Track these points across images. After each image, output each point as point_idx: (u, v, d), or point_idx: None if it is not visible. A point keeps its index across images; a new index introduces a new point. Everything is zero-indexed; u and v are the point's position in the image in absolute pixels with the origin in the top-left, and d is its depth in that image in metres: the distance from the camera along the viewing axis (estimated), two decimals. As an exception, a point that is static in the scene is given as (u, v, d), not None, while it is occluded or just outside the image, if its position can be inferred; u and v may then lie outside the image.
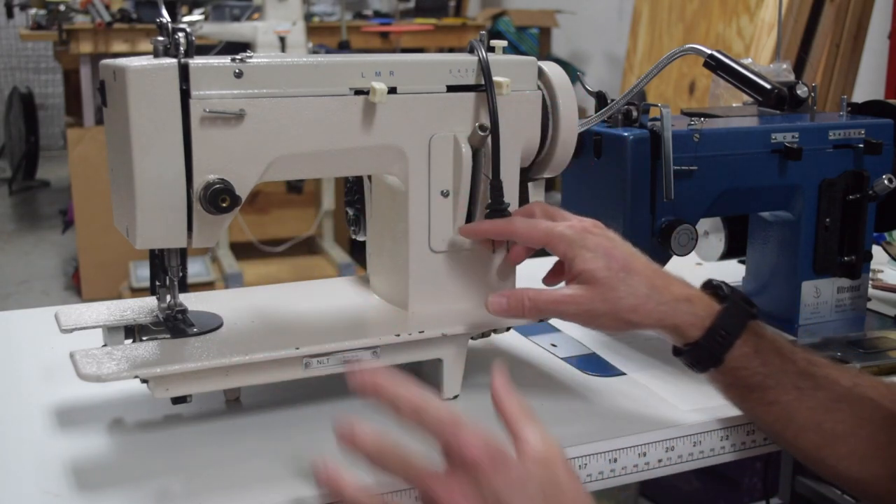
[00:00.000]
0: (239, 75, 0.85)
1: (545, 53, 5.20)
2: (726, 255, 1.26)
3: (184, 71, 0.83)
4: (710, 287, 0.92)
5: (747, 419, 0.94)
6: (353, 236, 1.09)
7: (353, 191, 1.07)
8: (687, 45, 1.04)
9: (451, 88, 0.94)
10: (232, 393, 0.96)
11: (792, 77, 1.34)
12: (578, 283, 0.88)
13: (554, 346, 1.13)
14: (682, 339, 0.89)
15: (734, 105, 1.46)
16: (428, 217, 0.96)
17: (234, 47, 2.62)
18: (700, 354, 0.88)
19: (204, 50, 3.52)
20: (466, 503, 0.66)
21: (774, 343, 0.89)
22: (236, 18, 3.91)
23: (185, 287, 0.96)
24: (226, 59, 0.85)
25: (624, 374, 1.05)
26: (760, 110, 1.26)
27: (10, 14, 4.64)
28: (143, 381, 0.85)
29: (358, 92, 0.90)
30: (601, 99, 1.08)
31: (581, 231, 0.89)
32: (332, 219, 4.27)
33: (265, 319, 0.96)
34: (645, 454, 0.91)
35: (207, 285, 3.69)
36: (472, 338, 0.99)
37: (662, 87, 3.76)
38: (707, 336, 0.87)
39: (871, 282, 1.29)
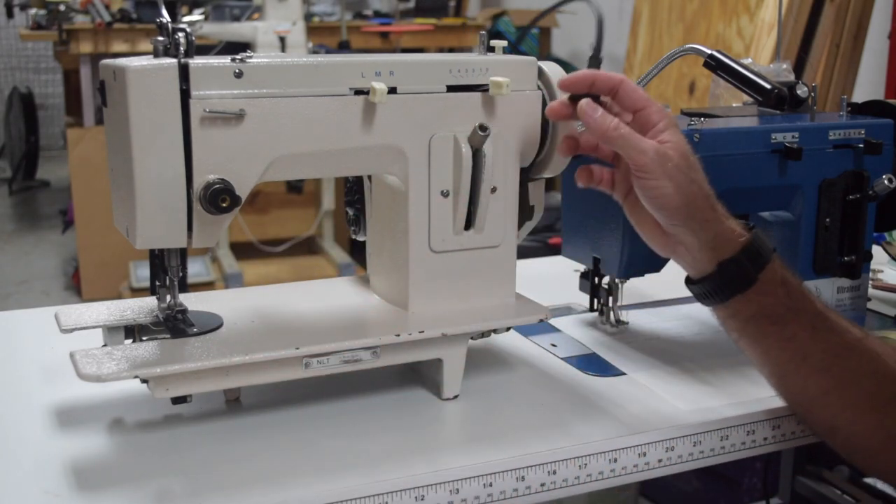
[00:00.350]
0: (239, 75, 0.85)
1: (545, 53, 5.20)
2: (726, 255, 1.26)
3: (184, 71, 0.83)
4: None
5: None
6: (353, 236, 1.09)
7: (353, 191, 1.07)
8: (687, 45, 1.04)
9: (451, 88, 0.94)
10: (232, 393, 0.96)
11: (792, 77, 1.34)
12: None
13: (554, 346, 1.13)
14: (715, 256, 0.90)
15: (734, 105, 1.46)
16: (428, 217, 0.96)
17: (234, 47, 2.62)
18: (734, 272, 0.90)
19: (204, 50, 3.52)
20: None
21: (795, 277, 0.92)
22: (236, 18, 3.91)
23: (185, 287, 0.96)
24: (226, 59, 0.85)
25: (624, 374, 1.05)
26: (760, 110, 1.26)
27: (10, 14, 4.64)
28: (143, 381, 0.85)
29: (358, 92, 0.90)
30: (601, 99, 1.08)
31: (674, 118, 0.93)
32: (332, 219, 4.27)
33: (265, 319, 0.96)
34: (645, 454, 0.91)
35: (207, 285, 3.69)
36: (472, 338, 0.99)
37: (662, 87, 3.76)
38: (744, 252, 0.89)
39: (871, 282, 1.29)
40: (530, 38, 5.18)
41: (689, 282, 0.95)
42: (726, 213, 0.92)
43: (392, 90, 0.91)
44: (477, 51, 0.99)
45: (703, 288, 0.93)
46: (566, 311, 1.25)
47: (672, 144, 0.90)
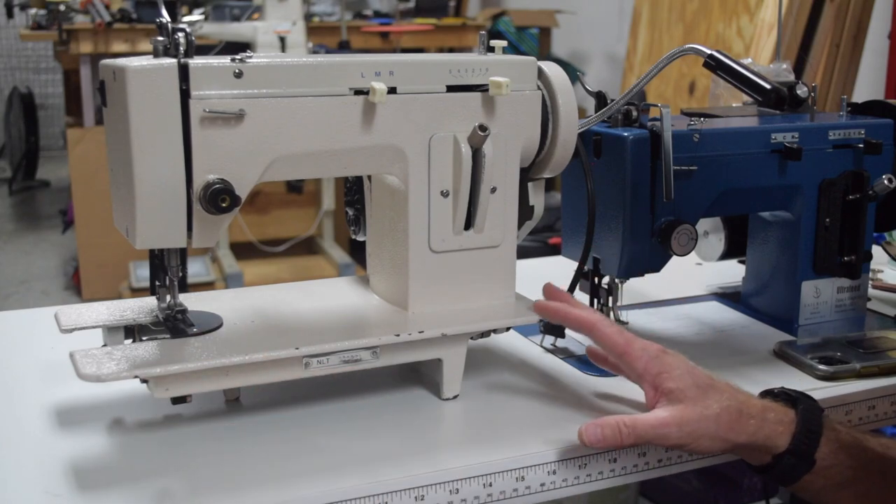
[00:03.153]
0: (239, 75, 0.85)
1: (545, 53, 5.20)
2: (726, 255, 1.26)
3: (184, 71, 0.83)
4: (771, 393, 0.92)
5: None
6: (353, 236, 1.09)
7: (353, 191, 1.07)
8: (687, 45, 1.04)
9: (451, 88, 0.94)
10: (232, 393, 0.96)
11: (792, 77, 1.34)
12: (669, 402, 0.86)
13: (554, 346, 1.12)
14: (769, 452, 0.87)
15: (734, 105, 1.46)
16: (428, 217, 0.96)
17: (234, 47, 2.62)
18: (791, 462, 0.86)
19: (204, 50, 3.52)
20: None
21: (849, 433, 0.89)
22: (236, 18, 3.91)
23: (185, 287, 0.96)
24: (226, 59, 0.85)
25: (624, 374, 1.05)
26: (760, 110, 1.26)
27: (10, 14, 4.64)
28: (143, 381, 0.85)
29: (358, 92, 0.90)
30: (601, 99, 1.08)
31: (658, 351, 0.89)
32: (332, 219, 4.27)
33: (265, 319, 0.96)
34: (645, 454, 0.91)
35: (207, 285, 3.69)
36: (471, 338, 0.99)
37: (662, 87, 3.76)
38: (795, 441, 0.86)
39: (871, 282, 1.29)
40: (530, 38, 5.18)
41: (749, 467, 0.91)
42: (762, 403, 0.88)
43: (392, 90, 0.91)
44: (477, 51, 0.99)
45: (765, 475, 0.89)
46: (566, 311, 1.25)
47: (678, 391, 0.86)
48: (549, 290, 0.97)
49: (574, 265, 1.08)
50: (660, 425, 0.85)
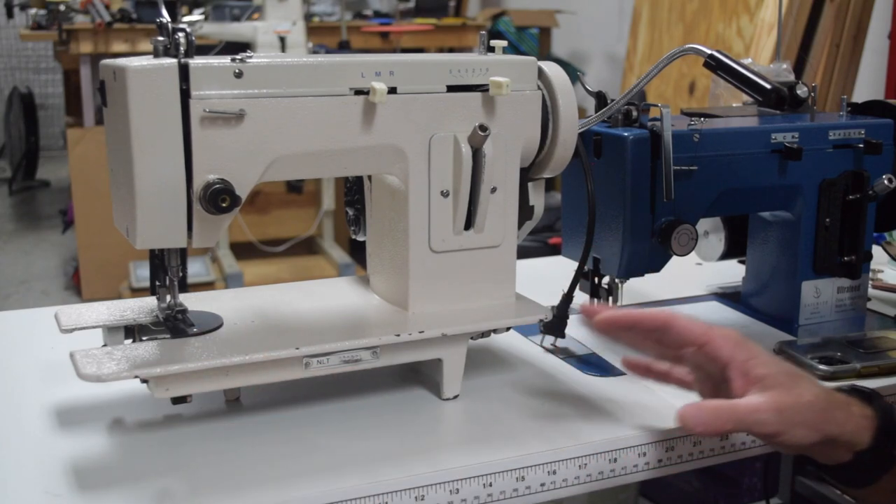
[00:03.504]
0: (239, 75, 0.85)
1: (545, 53, 5.20)
2: (726, 255, 1.26)
3: (184, 71, 0.83)
4: (840, 390, 0.89)
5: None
6: (353, 236, 1.09)
7: (353, 191, 1.07)
8: (687, 45, 1.04)
9: (451, 88, 0.94)
10: (232, 393, 0.96)
11: (792, 77, 1.34)
12: (762, 389, 0.82)
13: (554, 346, 1.12)
14: (852, 448, 0.84)
15: (734, 105, 1.46)
16: (428, 217, 0.96)
17: (234, 47, 2.62)
18: (873, 459, 0.83)
19: (204, 50, 3.52)
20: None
21: None
22: (236, 18, 3.91)
23: (185, 287, 0.96)
24: (226, 59, 0.85)
25: (624, 374, 1.05)
26: (760, 110, 1.26)
27: (10, 14, 4.64)
28: (143, 381, 0.85)
29: (358, 92, 0.90)
30: (601, 99, 1.08)
31: (738, 336, 0.85)
32: (332, 219, 4.27)
33: (265, 319, 0.96)
34: (645, 454, 0.91)
35: (207, 285, 3.69)
36: (472, 338, 0.99)
37: (662, 87, 3.76)
38: (877, 437, 0.83)
39: (871, 282, 1.29)
40: (530, 38, 5.18)
41: (823, 468, 0.88)
42: (843, 397, 0.85)
43: (392, 90, 0.91)
44: (477, 51, 0.99)
45: (842, 475, 0.87)
46: (566, 311, 1.25)
47: (771, 377, 0.82)
48: (588, 310, 0.92)
49: (574, 265, 1.08)
50: (757, 410, 0.81)
